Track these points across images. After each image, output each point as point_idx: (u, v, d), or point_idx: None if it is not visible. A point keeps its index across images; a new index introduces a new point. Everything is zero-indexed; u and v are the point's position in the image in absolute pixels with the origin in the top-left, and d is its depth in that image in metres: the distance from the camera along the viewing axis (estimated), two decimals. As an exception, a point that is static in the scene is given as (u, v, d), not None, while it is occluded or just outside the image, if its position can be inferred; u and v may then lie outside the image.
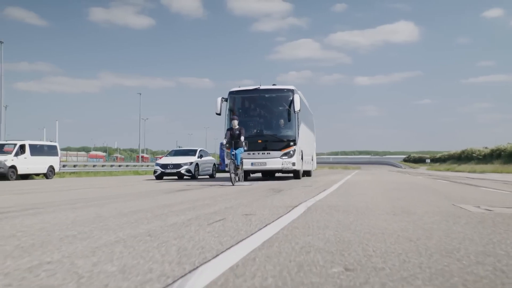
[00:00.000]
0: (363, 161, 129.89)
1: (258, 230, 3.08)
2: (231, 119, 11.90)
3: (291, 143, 13.93)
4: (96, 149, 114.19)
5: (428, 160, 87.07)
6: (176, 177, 17.57)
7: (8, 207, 5.22)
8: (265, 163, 13.86)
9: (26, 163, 19.25)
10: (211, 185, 10.80)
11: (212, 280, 1.74)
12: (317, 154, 25.63)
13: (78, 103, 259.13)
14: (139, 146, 54.23)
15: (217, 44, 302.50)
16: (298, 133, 14.17)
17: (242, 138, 11.22)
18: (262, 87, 14.49)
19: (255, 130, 14.23)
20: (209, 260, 2.09)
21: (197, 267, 1.95)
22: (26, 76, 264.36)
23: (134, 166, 35.08)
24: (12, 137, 31.99)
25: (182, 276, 1.80)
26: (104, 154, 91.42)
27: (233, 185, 10.46)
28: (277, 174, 17.89)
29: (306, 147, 16.87)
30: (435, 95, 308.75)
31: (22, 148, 19.21)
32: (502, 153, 42.48)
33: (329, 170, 43.30)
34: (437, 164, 69.78)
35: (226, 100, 14.33)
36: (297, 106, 13.72)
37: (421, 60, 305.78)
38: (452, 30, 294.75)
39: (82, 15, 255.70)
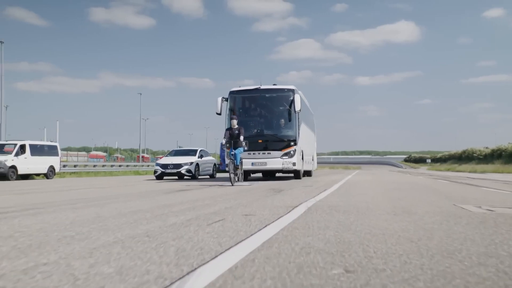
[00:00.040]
0: (363, 161, 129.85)
1: (258, 230, 3.06)
2: (230, 119, 11.87)
3: (292, 143, 13.90)
4: (96, 149, 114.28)
5: (428, 160, 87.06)
6: (176, 177, 17.55)
7: (7, 207, 5.19)
8: (265, 163, 13.83)
9: (27, 163, 19.24)
10: (211, 185, 10.77)
11: (210, 282, 1.72)
12: (318, 154, 25.60)
13: (79, 103, 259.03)
14: (139, 146, 54.27)
15: (217, 44, 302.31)
16: (298, 133, 14.14)
17: (242, 137, 11.18)
18: (262, 87, 14.46)
19: (255, 130, 14.20)
20: (208, 262, 2.07)
21: (195, 269, 1.93)
22: (27, 76, 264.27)
23: (134, 166, 35.06)
24: (13, 137, 32.01)
25: (179, 278, 1.77)
26: (104, 154, 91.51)
27: (232, 185, 10.42)
28: (277, 174, 17.86)
29: (307, 147, 16.85)
30: (436, 95, 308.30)
31: (22, 148, 19.20)
32: (503, 153, 42.45)
33: (329, 170, 43.27)
34: (438, 164, 69.74)
35: (226, 100, 14.31)
36: (297, 106, 13.69)
37: (422, 60, 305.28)
38: (453, 30, 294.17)
39: (83, 15, 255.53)
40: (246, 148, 12.89)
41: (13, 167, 18.54)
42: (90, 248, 2.43)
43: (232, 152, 11.11)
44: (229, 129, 11.32)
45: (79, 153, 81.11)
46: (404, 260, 2.11)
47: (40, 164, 20.09)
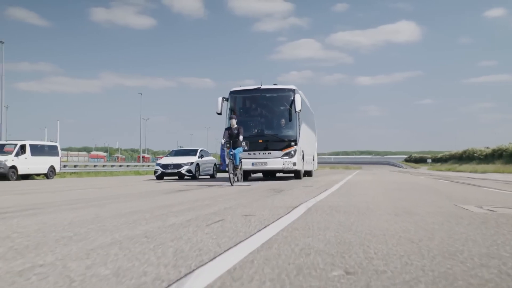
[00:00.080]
0: (364, 161, 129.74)
1: (257, 231, 3.03)
2: (229, 118, 11.83)
3: (292, 143, 13.87)
4: (97, 149, 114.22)
5: (429, 160, 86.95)
6: (176, 177, 17.52)
7: (6, 208, 5.17)
8: (266, 163, 13.80)
9: (27, 163, 19.23)
10: (211, 186, 10.75)
11: (208, 284, 1.69)
12: (318, 154, 25.57)
13: (79, 103, 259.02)
14: (140, 146, 54.26)
15: (218, 44, 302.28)
16: (299, 133, 14.11)
17: (241, 137, 11.14)
18: (263, 86, 14.43)
19: (256, 130, 14.17)
20: (206, 263, 2.04)
21: (193, 270, 1.90)
22: (27, 76, 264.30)
23: (135, 166, 35.04)
24: (14, 137, 32.02)
25: (177, 280, 1.74)
26: (105, 154, 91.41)
27: (231, 185, 10.37)
28: (278, 174, 17.83)
29: (307, 147, 16.82)
30: (437, 95, 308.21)
31: (22, 148, 19.19)
32: (504, 153, 42.38)
33: (330, 170, 43.23)
34: (439, 164, 69.66)
35: (227, 100, 14.28)
36: (298, 106, 13.65)
37: (423, 60, 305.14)
38: (454, 30, 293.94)
39: (83, 15, 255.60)
40: (246, 148, 12.84)
41: (14, 167, 18.53)
42: (87, 249, 2.40)
43: (231, 152, 11.06)
44: (228, 128, 11.28)
45: (80, 153, 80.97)
46: (405, 261, 2.08)
47: (40, 164, 20.08)
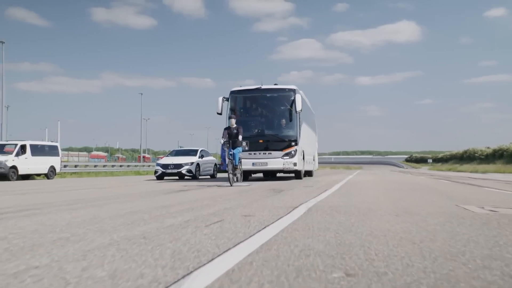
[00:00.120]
0: (365, 161, 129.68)
1: (257, 232, 3.00)
2: (229, 118, 11.78)
3: (293, 143, 13.83)
4: (98, 149, 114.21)
5: (430, 160, 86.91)
6: (177, 177, 17.49)
7: (5, 208, 5.14)
8: (266, 163, 13.76)
9: (27, 163, 19.21)
10: (211, 186, 10.71)
11: (206, 286, 1.66)
12: (319, 154, 25.53)
13: (80, 103, 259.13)
14: (140, 146, 54.24)
15: (218, 44, 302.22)
16: (299, 133, 14.07)
17: (240, 137, 11.09)
18: (263, 86, 14.39)
19: (256, 130, 14.13)
20: (204, 265, 2.01)
21: (191, 272, 1.87)
22: (28, 76, 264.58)
23: (135, 166, 35.01)
24: (14, 137, 32.04)
25: (174, 282, 1.71)
26: (105, 154, 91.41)
27: (231, 185, 10.32)
28: (278, 174, 17.80)
29: (308, 147, 16.78)
30: (437, 95, 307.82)
31: (23, 148, 19.17)
32: (505, 153, 42.35)
33: (330, 170, 43.19)
34: (439, 164, 69.61)
35: (227, 99, 14.24)
36: (298, 106, 13.60)
37: (423, 60, 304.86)
38: (454, 30, 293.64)
39: (84, 15, 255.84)
40: (246, 148, 12.80)
41: (14, 167, 18.51)
42: (84, 250, 2.37)
43: (230, 152, 11.01)
44: (228, 128, 11.22)
45: (80, 153, 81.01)
46: (406, 262, 2.05)
47: (40, 164, 20.05)
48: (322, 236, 2.82)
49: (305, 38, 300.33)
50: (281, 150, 13.74)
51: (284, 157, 13.69)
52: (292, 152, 13.73)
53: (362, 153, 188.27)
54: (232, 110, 14.00)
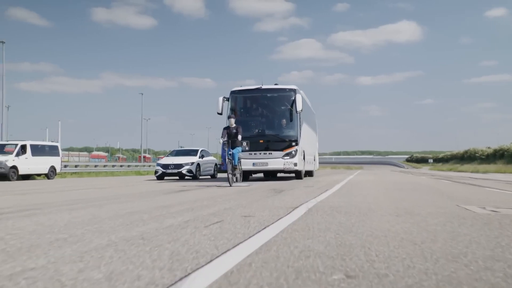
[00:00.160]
0: (365, 161, 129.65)
1: (257, 232, 2.97)
2: (228, 117, 11.74)
3: (293, 143, 13.80)
4: (98, 149, 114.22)
5: (430, 160, 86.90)
6: (177, 178, 17.47)
7: (4, 208, 5.12)
8: (266, 163, 13.73)
9: (27, 164, 19.19)
10: (211, 186, 10.68)
11: (204, 288, 1.63)
12: (320, 154, 25.49)
13: (80, 103, 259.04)
14: (141, 146, 54.20)
15: (219, 44, 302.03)
16: (300, 133, 14.04)
17: (240, 137, 11.04)
18: (264, 86, 14.36)
19: (256, 130, 14.10)
20: (202, 266, 1.98)
21: (189, 274, 1.84)
22: (28, 76, 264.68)
23: (136, 166, 34.98)
24: (15, 137, 32.04)
25: (171, 284, 1.69)
26: (106, 154, 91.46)
27: (230, 185, 10.28)
28: (279, 175, 17.77)
29: (308, 147, 16.75)
30: (438, 95, 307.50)
31: (23, 148, 19.15)
32: (505, 153, 42.30)
33: (331, 170, 43.15)
34: (440, 164, 69.57)
35: (227, 99, 14.21)
36: (299, 106, 13.57)
37: (424, 60, 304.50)
38: (455, 30, 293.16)
39: (84, 15, 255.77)
40: (247, 148, 12.76)
41: (14, 167, 18.49)
42: (81, 251, 2.34)
43: (230, 152, 10.95)
44: (227, 128, 11.18)
45: (81, 153, 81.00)
46: (408, 264, 2.02)
47: (41, 164, 20.04)
48: (322, 236, 2.79)
49: (306, 38, 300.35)
50: (282, 150, 13.71)
51: (285, 157, 13.65)
52: (293, 152, 13.70)
53: (363, 153, 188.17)
54: (233, 110, 13.96)
